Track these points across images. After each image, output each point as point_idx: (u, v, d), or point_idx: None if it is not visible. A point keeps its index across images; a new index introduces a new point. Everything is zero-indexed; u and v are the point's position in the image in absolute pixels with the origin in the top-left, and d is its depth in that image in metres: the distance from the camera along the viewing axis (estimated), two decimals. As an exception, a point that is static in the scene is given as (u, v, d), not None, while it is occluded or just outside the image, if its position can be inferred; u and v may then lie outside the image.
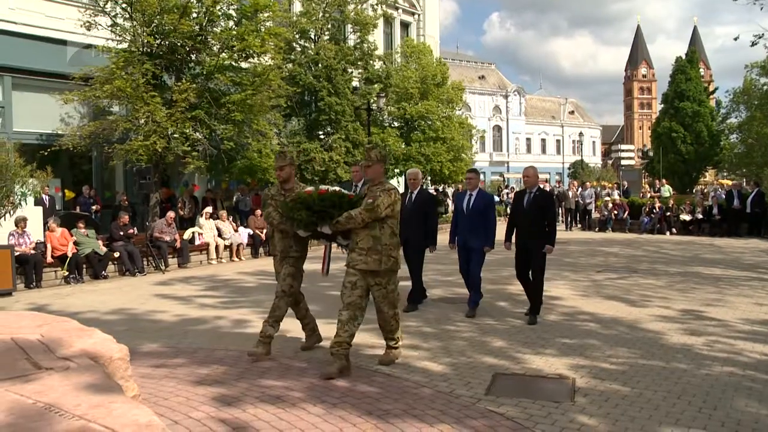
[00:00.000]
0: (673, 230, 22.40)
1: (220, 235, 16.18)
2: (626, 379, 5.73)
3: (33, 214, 13.45)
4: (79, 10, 15.43)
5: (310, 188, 6.39)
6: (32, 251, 12.48)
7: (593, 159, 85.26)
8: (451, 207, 24.65)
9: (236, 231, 16.84)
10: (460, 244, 8.83)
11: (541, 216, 8.15)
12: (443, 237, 9.43)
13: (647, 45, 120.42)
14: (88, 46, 15.34)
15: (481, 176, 8.68)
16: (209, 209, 16.77)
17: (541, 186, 8.74)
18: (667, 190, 28.27)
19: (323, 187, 6.36)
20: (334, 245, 6.64)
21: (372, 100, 23.49)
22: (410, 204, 8.98)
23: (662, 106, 46.36)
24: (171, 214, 15.30)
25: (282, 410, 4.79)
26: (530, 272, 8.28)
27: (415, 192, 9.17)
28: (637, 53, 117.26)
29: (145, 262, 14.26)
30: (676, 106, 42.69)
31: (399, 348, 6.43)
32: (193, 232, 15.93)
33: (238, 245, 16.52)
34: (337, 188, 6.30)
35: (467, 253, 8.72)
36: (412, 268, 9.09)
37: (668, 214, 22.85)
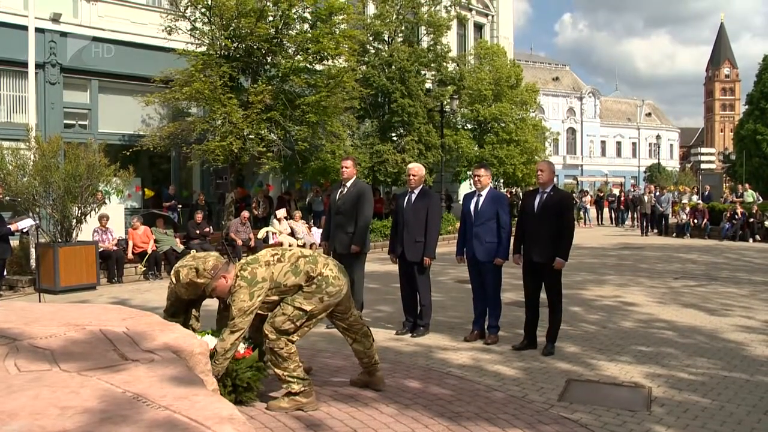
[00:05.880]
0: (757, 237, 21.46)
1: (293, 235, 16.46)
2: (706, 391, 5.54)
3: (115, 211, 14.00)
4: (161, 15, 16.02)
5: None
6: (114, 247, 13.00)
7: (670, 162, 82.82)
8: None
9: (309, 231, 17.11)
10: (468, 256, 7.40)
11: (554, 223, 6.67)
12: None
13: (731, 43, 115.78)
14: (170, 50, 15.83)
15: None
16: (283, 212, 17.09)
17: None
18: (750, 195, 27.12)
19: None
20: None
21: (445, 102, 23.45)
22: (408, 206, 7.56)
23: (746, 107, 44.69)
24: (245, 213, 15.63)
25: (355, 409, 4.84)
26: (547, 295, 6.83)
27: (416, 191, 7.57)
28: (720, 52, 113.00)
29: (220, 260, 14.60)
30: (762, 107, 41.10)
31: (296, 397, 4.70)
32: (267, 232, 16.26)
33: (311, 245, 16.77)
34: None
35: (477, 268, 7.35)
36: (420, 289, 7.59)
37: (751, 220, 21.93)
